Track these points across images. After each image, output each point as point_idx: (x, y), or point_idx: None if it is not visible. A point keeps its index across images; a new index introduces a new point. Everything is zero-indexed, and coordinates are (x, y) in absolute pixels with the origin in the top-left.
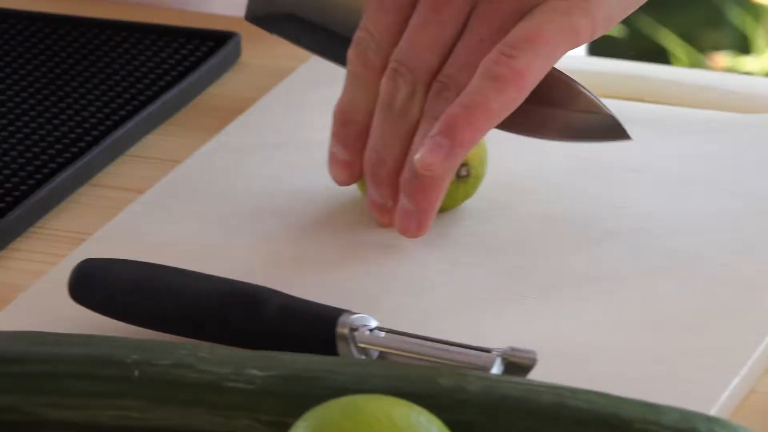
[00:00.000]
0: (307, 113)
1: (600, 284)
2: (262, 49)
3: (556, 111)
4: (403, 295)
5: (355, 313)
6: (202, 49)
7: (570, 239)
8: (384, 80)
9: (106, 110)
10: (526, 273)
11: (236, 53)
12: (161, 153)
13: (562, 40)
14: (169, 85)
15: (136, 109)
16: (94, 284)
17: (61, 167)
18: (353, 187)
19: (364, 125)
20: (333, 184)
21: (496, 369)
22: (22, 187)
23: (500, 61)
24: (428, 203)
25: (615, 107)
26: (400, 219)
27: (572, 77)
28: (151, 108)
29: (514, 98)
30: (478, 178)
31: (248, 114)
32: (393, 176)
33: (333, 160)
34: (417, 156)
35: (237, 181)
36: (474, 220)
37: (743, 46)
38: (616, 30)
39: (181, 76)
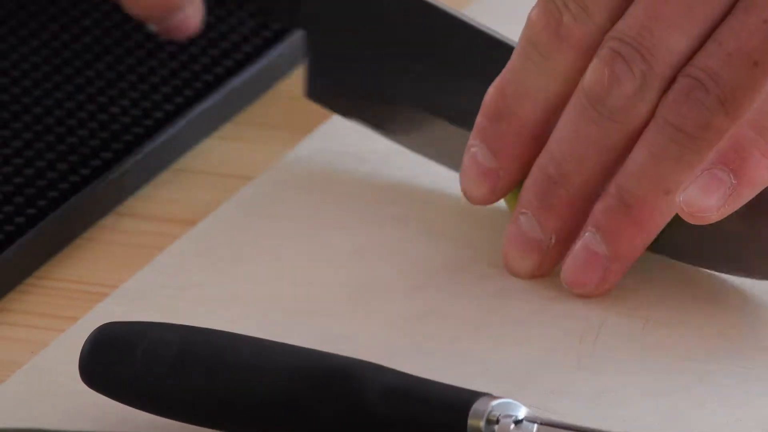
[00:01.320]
0: None
1: None
2: None
3: None
4: (568, 368)
5: (497, 398)
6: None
7: None
8: (595, 64)
9: (141, 108)
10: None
11: None
12: (220, 167)
13: None
14: (230, 72)
15: (184, 106)
16: (116, 360)
17: (74, 190)
18: (497, 207)
19: (532, 123)
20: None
21: None
22: (18, 220)
23: None
24: (631, 249)
25: None
26: (578, 265)
27: None
28: (208, 101)
29: None
30: None
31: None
32: (573, 203)
33: (472, 166)
34: (682, 195)
35: (325, 206)
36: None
37: None
38: None
39: (248, 59)
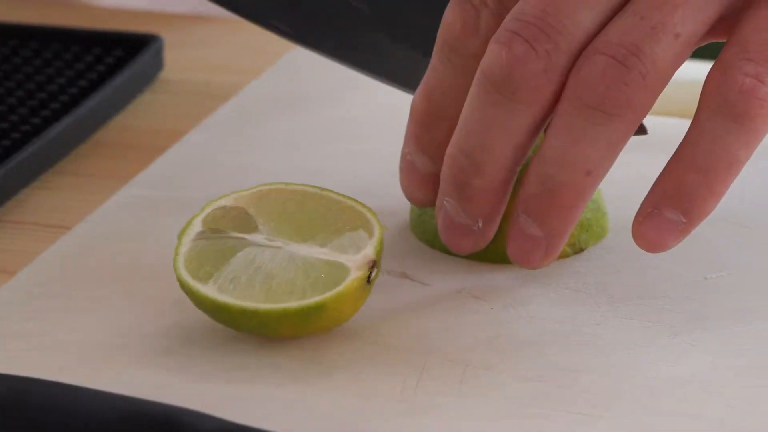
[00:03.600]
0: (258, 152)
1: None
2: (193, 57)
3: None
4: (391, 414)
5: None
6: (107, 59)
7: None
8: (492, 46)
9: None
10: None
11: (157, 65)
12: (41, 216)
13: None
14: (60, 114)
15: (2, 155)
16: None
17: None
18: None
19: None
20: None
21: None
22: None
23: (747, 88)
24: (564, 226)
25: None
26: (522, 245)
27: None
28: (29, 150)
29: (764, 134)
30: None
31: (169, 154)
32: (492, 189)
33: (410, 173)
34: (637, 228)
35: (144, 256)
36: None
37: None
38: None
39: (79, 98)
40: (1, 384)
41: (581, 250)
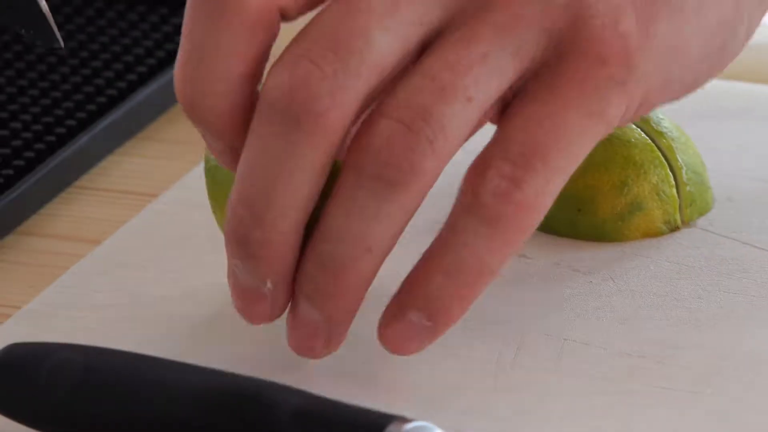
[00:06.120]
0: None
1: None
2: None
3: None
4: (484, 389)
5: (410, 420)
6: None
7: None
8: (274, 69)
9: (42, 124)
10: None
11: None
12: (127, 183)
13: (587, 137)
14: (144, 80)
15: (86, 122)
16: (19, 382)
17: None
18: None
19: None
20: None
21: None
22: None
23: (500, 191)
24: (345, 310)
25: None
26: (299, 335)
27: None
28: (114, 115)
29: (519, 243)
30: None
31: None
32: (275, 241)
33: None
34: (382, 332)
35: None
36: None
37: None
38: None
39: (166, 61)
40: (80, 355)
41: (677, 228)
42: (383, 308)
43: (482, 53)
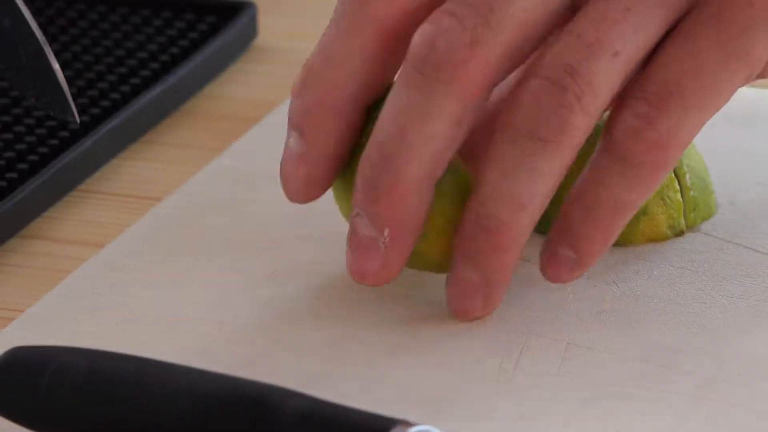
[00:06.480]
0: None
1: None
2: (288, 24)
3: None
4: (487, 393)
5: (413, 424)
6: (199, 26)
7: None
8: (422, 26)
9: (46, 127)
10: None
11: (251, 32)
12: (130, 187)
13: (728, 79)
14: (148, 83)
15: (91, 125)
16: (23, 385)
17: None
18: None
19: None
20: None
21: None
22: None
23: (633, 129)
24: (503, 270)
25: None
26: (460, 294)
27: None
28: (117, 119)
29: (654, 181)
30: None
31: (263, 125)
32: (403, 188)
33: (293, 158)
34: (540, 263)
35: (236, 228)
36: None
37: None
38: None
39: (170, 66)
40: (84, 359)
41: (682, 232)
42: (383, 308)
43: (625, 7)
